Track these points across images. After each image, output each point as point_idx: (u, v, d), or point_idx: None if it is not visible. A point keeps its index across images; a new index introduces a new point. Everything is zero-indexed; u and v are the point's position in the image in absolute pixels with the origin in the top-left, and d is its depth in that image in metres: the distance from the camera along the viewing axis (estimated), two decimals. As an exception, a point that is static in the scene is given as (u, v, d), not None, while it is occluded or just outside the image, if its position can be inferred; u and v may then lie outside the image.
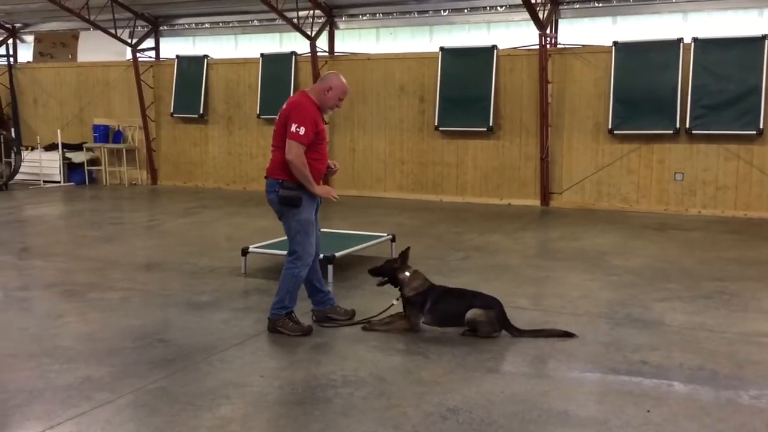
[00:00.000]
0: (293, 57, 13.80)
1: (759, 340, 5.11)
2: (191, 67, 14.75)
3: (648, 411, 3.87)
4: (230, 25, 15.08)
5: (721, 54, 10.88)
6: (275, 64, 13.98)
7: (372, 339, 5.10)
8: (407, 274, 5.36)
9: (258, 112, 14.15)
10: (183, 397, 4.04)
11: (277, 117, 5.18)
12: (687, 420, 3.77)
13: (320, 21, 13.64)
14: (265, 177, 5.21)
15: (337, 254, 6.84)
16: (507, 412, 3.86)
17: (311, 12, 13.36)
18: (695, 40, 10.97)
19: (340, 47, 13.87)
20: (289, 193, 5.01)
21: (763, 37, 10.58)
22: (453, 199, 12.74)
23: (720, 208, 11.12)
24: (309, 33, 13.35)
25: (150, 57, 15.36)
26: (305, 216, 5.11)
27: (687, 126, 11.06)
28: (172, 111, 14.98)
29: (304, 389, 4.20)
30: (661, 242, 9.04)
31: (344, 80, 5.23)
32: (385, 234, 7.97)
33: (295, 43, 13.82)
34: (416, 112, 13.08)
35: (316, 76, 13.37)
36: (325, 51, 13.76)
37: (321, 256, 6.75)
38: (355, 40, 13.93)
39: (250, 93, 14.32)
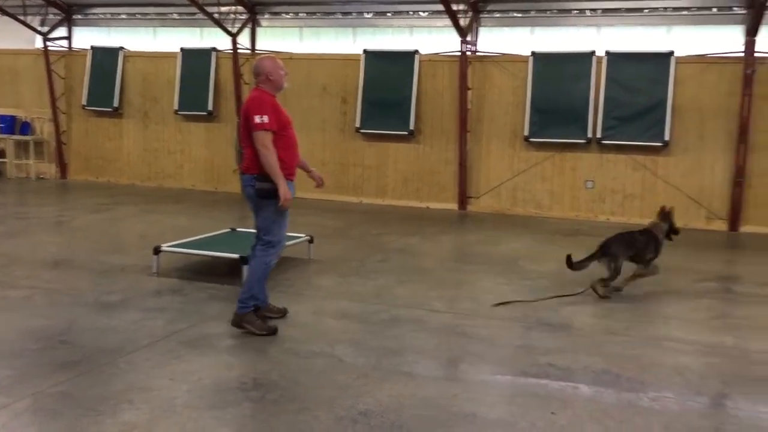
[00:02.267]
0: (214, 53, 13.54)
1: (661, 343, 5.34)
2: (106, 58, 14.26)
3: (553, 413, 3.98)
4: (148, 17, 14.65)
5: (631, 68, 11.34)
6: (195, 60, 13.67)
7: (287, 341, 5.06)
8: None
9: (176, 107, 13.81)
10: (85, 402, 3.90)
11: (240, 118, 5.31)
12: (591, 422, 3.89)
13: (242, 18, 13.45)
14: (241, 173, 5.29)
15: (253, 255, 6.74)
16: (418, 416, 3.90)
17: (233, 8, 13.15)
18: (607, 53, 11.40)
19: (262, 45, 13.71)
20: (265, 185, 5.05)
21: (670, 53, 11.09)
22: (373, 202, 12.79)
23: (627, 216, 11.57)
24: (230, 29, 13.13)
25: (62, 46, 14.76)
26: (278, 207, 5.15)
27: (598, 136, 11.47)
28: (84, 103, 14.44)
29: (213, 393, 4.12)
30: (572, 248, 9.23)
31: (268, 56, 5.35)
32: (303, 235, 7.92)
33: (216, 39, 13.56)
34: (338, 113, 13.07)
35: (237, 74, 13.17)
36: (247, 48, 13.57)
37: (237, 256, 6.73)
38: (278, 38, 13.80)
39: (168, 88, 13.96)
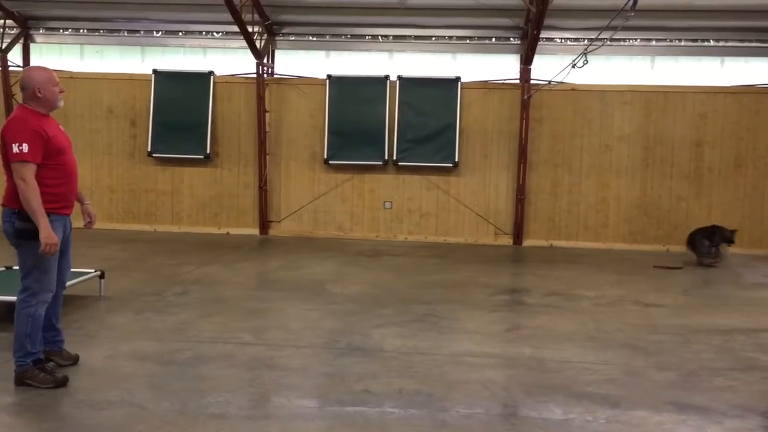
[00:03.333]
0: (-23, 68, 12.16)
1: (464, 359, 5.52)
2: None
3: (372, 442, 3.93)
4: None
5: (422, 92, 11.84)
6: (-45, 77, 12.17)
7: (79, 392, 4.54)
8: None
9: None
10: None
11: None
12: (408, 447, 3.89)
13: (12, 32, 12.21)
14: (2, 205, 4.54)
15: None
16: (233, 461, 3.65)
17: (2, 22, 11.90)
18: (399, 78, 11.82)
19: (37, 62, 12.53)
20: (26, 226, 4.40)
21: (457, 79, 11.75)
22: (168, 229, 12.14)
23: (423, 234, 12.03)
24: (-1, 44, 11.87)
25: None
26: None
27: (394, 158, 11.83)
28: None
29: (-9, 463, 3.57)
30: (375, 269, 9.48)
31: (39, 67, 4.74)
32: (92, 270, 7.26)
33: (-20, 54, 12.18)
34: (127, 136, 12.28)
35: (7, 94, 11.93)
36: (18, 66, 12.34)
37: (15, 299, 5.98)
38: (56, 55, 12.69)
39: None
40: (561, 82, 9.79)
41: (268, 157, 12.03)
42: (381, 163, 11.87)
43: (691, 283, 9.05)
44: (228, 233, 12.13)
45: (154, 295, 7.37)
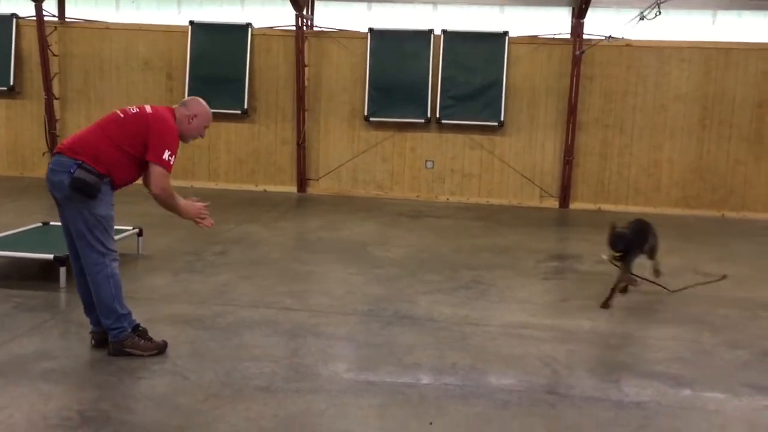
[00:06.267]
0: (14, 20, 11.92)
1: (519, 332, 5.20)
2: None
3: (431, 423, 3.65)
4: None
5: (467, 47, 11.34)
6: (-9, 27, 11.97)
7: (119, 360, 4.31)
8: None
9: (-31, 82, 12.04)
10: None
11: (122, 114, 4.31)
12: (470, 431, 3.60)
13: (48, -19, 11.93)
14: (56, 152, 4.17)
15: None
16: (282, 441, 3.40)
17: (37, -30, 11.61)
18: (444, 32, 11.32)
19: (71, 12, 12.25)
20: (85, 176, 4.03)
21: (504, 33, 11.21)
22: (205, 185, 11.93)
23: (466, 195, 11.65)
24: (34, -7, 11.59)
25: None
26: (102, 212, 4.16)
27: (437, 115, 11.40)
28: None
29: (28, 435, 3.36)
30: (417, 230, 9.16)
31: (207, 106, 4.52)
32: (131, 227, 7.05)
33: (16, 5, 11.93)
34: (163, 90, 12.00)
35: (42, 44, 11.69)
36: (53, 15, 12.06)
37: (52, 257, 5.81)
38: (91, 5, 12.40)
39: (-41, 59, 12.13)
40: (614, 38, 9.23)
41: (306, 113, 11.68)
42: (423, 120, 11.45)
43: (753, 253, 8.57)
44: (265, 191, 11.88)
45: (193, 255, 7.15)
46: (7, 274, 6.13)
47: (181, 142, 4.43)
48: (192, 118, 4.44)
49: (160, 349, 4.39)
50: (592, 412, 3.88)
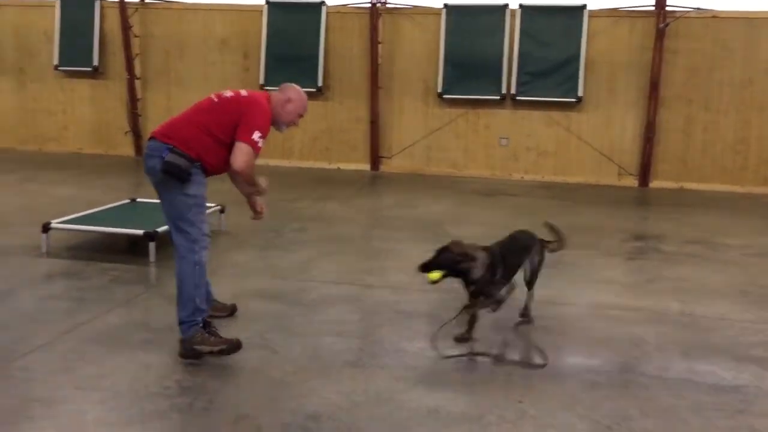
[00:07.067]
0: (97, 2, 12.27)
1: (607, 312, 5.09)
2: (-30, 7, 12.66)
3: (520, 402, 3.62)
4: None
5: (543, 21, 11.08)
6: (76, 10, 12.34)
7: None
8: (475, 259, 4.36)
9: (56, 62, 12.48)
10: (-29, 428, 3.20)
11: (217, 98, 4.27)
12: (561, 411, 3.55)
13: (129, -38, 12.23)
14: (150, 137, 4.21)
15: (159, 230, 5.98)
16: (374, 416, 3.44)
17: (118, -49, 11.91)
18: (520, 6, 11.08)
19: (152, -6, 12.54)
20: (178, 160, 4.02)
21: (583, 6, 10.90)
22: (279, 164, 12.06)
23: (541, 173, 11.45)
24: (115, -24, 11.90)
25: None
26: (194, 191, 4.13)
27: (512, 92, 11.21)
28: (-53, 58, 12.83)
29: (131, 402, 3.50)
30: (492, 208, 9.07)
31: (303, 93, 4.52)
32: (213, 204, 7.20)
33: (99, -13, 12.29)
34: (240, 69, 12.17)
35: (125, 25, 12.00)
36: (135, -4, 12.38)
37: (142, 232, 6.00)
38: (169, -14, 12.64)
39: (46, 41, 12.58)
40: (702, 9, 8.84)
41: (380, 90, 11.66)
42: (498, 97, 11.27)
43: None
44: (339, 168, 11.95)
45: (273, 232, 7.26)
46: (99, 248, 6.36)
47: (273, 129, 4.38)
48: (287, 102, 4.38)
49: (231, 345, 4.07)
50: (688, 395, 3.78)
